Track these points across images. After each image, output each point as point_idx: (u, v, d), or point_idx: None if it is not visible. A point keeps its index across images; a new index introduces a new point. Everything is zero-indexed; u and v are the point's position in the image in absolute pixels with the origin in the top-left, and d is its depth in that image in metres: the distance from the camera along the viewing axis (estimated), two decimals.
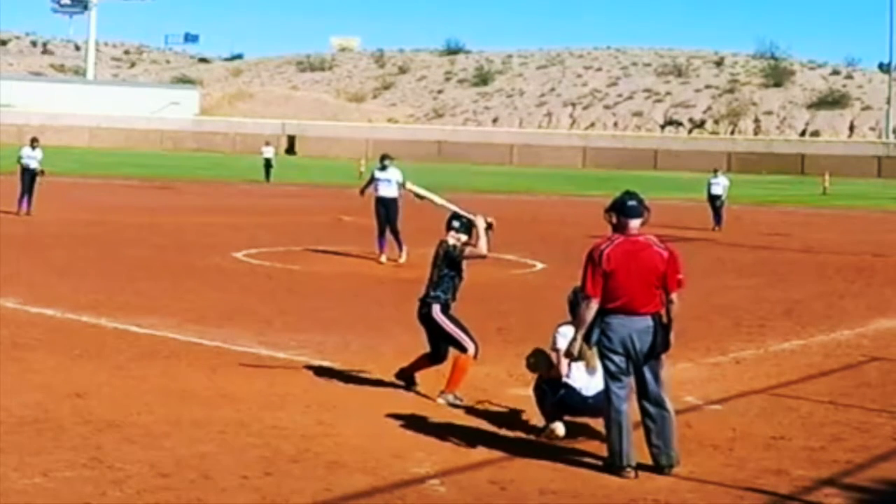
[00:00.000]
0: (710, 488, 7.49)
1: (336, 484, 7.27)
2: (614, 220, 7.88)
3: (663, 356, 7.88)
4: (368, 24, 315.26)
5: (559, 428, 8.51)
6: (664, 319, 7.80)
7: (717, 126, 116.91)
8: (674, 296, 7.83)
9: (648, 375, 7.81)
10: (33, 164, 28.79)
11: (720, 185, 32.42)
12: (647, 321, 7.74)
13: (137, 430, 8.34)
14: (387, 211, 20.90)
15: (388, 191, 21.01)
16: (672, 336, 7.84)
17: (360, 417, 9.03)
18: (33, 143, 29.65)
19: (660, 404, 7.82)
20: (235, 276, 18.29)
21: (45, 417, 8.60)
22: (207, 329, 12.82)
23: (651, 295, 7.76)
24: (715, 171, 33.85)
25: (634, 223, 7.84)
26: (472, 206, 10.52)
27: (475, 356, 9.79)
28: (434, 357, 10.02)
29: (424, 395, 9.86)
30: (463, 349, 9.77)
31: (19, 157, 29.13)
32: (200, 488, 7.07)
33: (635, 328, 7.72)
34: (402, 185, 20.05)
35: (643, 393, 7.85)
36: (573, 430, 8.61)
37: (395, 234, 20.87)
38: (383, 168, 21.26)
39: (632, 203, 7.86)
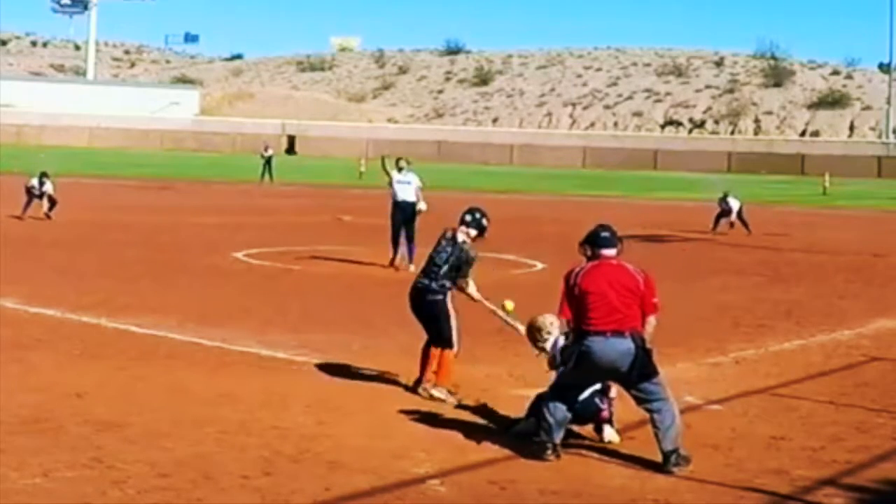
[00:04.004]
0: (710, 488, 7.49)
1: (336, 484, 7.27)
2: (588, 252, 8.14)
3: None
4: (368, 24, 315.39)
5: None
6: (646, 344, 7.91)
7: (717, 126, 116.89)
8: (651, 318, 8.00)
9: (641, 388, 7.95)
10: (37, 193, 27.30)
11: (729, 207, 29.93)
12: (628, 343, 7.83)
13: (137, 430, 8.35)
14: (404, 215, 20.00)
15: (406, 194, 20.13)
16: (654, 360, 7.97)
17: (360, 417, 9.04)
18: (42, 177, 27.62)
19: (657, 401, 7.93)
20: (235, 276, 18.29)
21: (45, 417, 8.61)
22: (207, 329, 12.82)
23: (628, 310, 7.88)
24: (724, 195, 30.33)
25: (608, 252, 8.09)
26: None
27: (456, 355, 9.98)
28: (435, 341, 10.10)
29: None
30: (449, 345, 9.93)
31: (27, 184, 27.74)
32: (200, 488, 7.08)
33: (617, 351, 7.82)
34: (420, 188, 20.05)
35: (640, 400, 8.02)
36: (569, 432, 8.60)
37: (410, 238, 19.87)
38: (400, 171, 20.38)
39: (605, 234, 8.14)
